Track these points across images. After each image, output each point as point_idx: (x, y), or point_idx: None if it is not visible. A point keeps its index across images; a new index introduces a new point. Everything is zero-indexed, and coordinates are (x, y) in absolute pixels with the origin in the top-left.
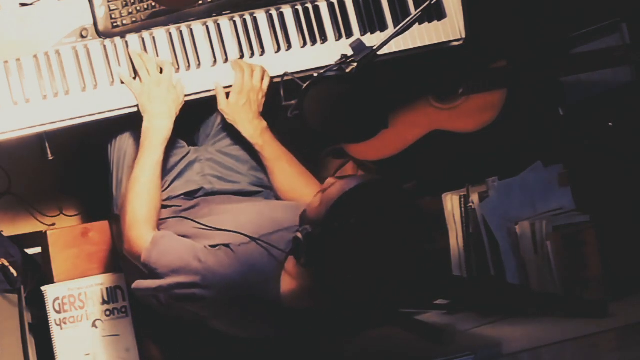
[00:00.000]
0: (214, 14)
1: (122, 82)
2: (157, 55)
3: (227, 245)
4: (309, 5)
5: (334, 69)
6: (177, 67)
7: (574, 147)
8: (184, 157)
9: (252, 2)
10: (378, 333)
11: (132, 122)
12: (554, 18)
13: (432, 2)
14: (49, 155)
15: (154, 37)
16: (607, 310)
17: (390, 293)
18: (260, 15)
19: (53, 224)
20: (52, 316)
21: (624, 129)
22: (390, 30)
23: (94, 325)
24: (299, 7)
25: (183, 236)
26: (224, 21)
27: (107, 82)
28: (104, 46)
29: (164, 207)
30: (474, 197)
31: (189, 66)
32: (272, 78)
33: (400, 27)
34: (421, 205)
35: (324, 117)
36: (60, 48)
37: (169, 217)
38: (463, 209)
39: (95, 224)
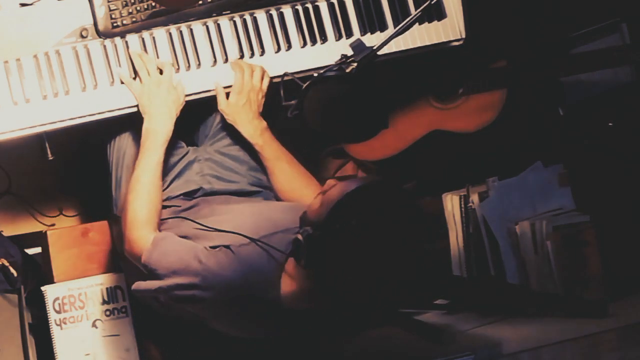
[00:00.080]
0: (214, 14)
1: (122, 83)
2: (157, 55)
3: (227, 247)
4: (309, 5)
5: (334, 69)
6: (177, 67)
7: (574, 147)
8: (183, 157)
9: (252, 2)
10: (378, 333)
11: (131, 122)
12: (554, 18)
13: (432, 2)
14: (49, 155)
15: (154, 37)
16: (607, 310)
17: (391, 294)
18: (260, 15)
19: (53, 225)
20: (52, 316)
21: (624, 129)
22: (390, 30)
23: (94, 325)
24: (299, 7)
25: (183, 237)
26: (224, 21)
27: (107, 82)
28: (104, 46)
29: (163, 207)
30: (474, 197)
31: (189, 66)
32: (272, 78)
33: (400, 27)
34: (421, 205)
35: (324, 117)
36: (60, 48)
37: (168, 218)
38: (463, 209)
39: (95, 224)
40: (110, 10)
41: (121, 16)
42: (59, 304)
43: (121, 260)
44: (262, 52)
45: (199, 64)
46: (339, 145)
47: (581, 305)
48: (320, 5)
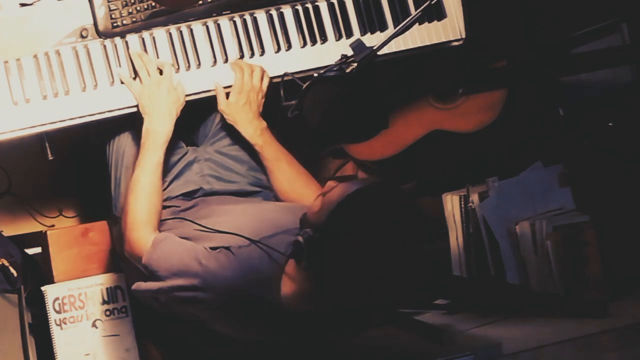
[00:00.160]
0: (214, 14)
1: (122, 83)
2: (157, 55)
3: (227, 248)
4: (309, 5)
5: (334, 69)
6: (177, 67)
7: (574, 147)
8: (182, 157)
9: (252, 2)
10: (378, 333)
11: (131, 122)
12: (554, 18)
13: (432, 2)
14: (49, 155)
15: (154, 37)
16: (607, 310)
17: (391, 295)
18: (260, 15)
19: (52, 226)
20: (52, 316)
21: (624, 129)
22: (390, 30)
23: (94, 325)
24: (299, 7)
25: (183, 237)
26: (224, 21)
27: (107, 82)
28: (104, 46)
29: (162, 207)
30: (474, 197)
31: (189, 66)
32: (272, 78)
33: (400, 27)
34: (421, 206)
35: (324, 117)
36: (60, 48)
37: (168, 218)
38: (463, 209)
39: (95, 224)
40: (110, 10)
41: (121, 16)
42: (59, 304)
43: (121, 260)
44: (262, 52)
45: (199, 64)
46: (339, 145)
47: (581, 305)
48: (320, 5)
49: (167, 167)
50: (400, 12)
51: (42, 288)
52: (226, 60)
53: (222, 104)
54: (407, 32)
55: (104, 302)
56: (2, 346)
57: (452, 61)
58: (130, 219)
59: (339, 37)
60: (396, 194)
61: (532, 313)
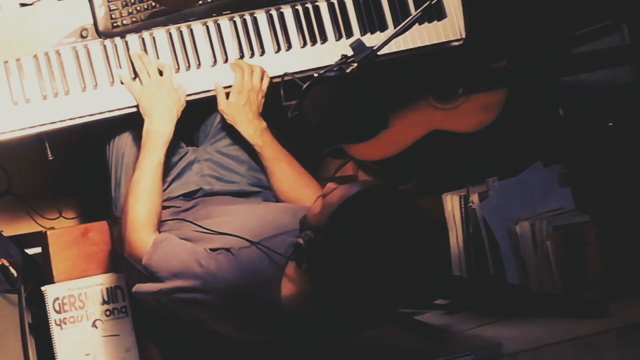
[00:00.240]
0: (214, 14)
1: (122, 83)
2: (157, 55)
3: (227, 249)
4: (309, 5)
5: (334, 69)
6: (177, 67)
7: (574, 147)
8: (182, 157)
9: (252, 2)
10: (378, 333)
11: (131, 122)
12: (554, 18)
13: (432, 2)
14: (49, 155)
15: (154, 37)
16: (607, 310)
17: (392, 295)
18: (260, 15)
19: (52, 228)
20: (52, 316)
21: (624, 129)
22: (390, 30)
23: (94, 325)
24: (299, 7)
25: (183, 238)
26: (224, 21)
27: (107, 82)
28: (104, 46)
29: (162, 207)
30: (474, 197)
31: (189, 66)
32: (272, 78)
33: (400, 27)
34: (422, 207)
35: (324, 117)
36: (60, 48)
37: (168, 219)
38: (463, 209)
39: (95, 224)
40: (110, 10)
41: (121, 16)
42: (59, 304)
43: (121, 261)
44: (262, 52)
45: (199, 64)
46: (339, 145)
47: (581, 305)
48: (320, 5)
49: (167, 167)
50: (400, 12)
51: (42, 288)
52: (226, 60)
53: (222, 104)
54: (407, 32)
55: (104, 302)
56: (2, 346)
57: (452, 61)
58: (131, 220)
59: (339, 37)
60: (396, 195)
61: (532, 313)
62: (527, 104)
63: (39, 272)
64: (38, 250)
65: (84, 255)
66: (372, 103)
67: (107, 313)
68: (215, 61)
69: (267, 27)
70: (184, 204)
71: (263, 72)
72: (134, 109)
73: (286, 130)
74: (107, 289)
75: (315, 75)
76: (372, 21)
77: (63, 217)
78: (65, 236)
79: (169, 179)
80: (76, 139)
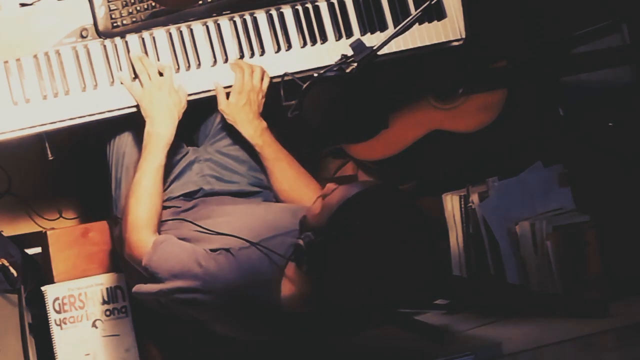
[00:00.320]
0: (214, 14)
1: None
2: (157, 55)
3: (227, 250)
4: (309, 5)
5: (334, 69)
6: (177, 67)
7: (574, 147)
8: (183, 157)
9: (252, 2)
10: (378, 333)
11: (131, 122)
12: (554, 18)
13: (432, 2)
14: (49, 155)
15: (154, 37)
16: (607, 310)
17: (392, 295)
18: (260, 15)
19: (52, 228)
20: (52, 316)
21: (624, 129)
22: (390, 30)
23: (94, 325)
24: (299, 7)
25: (183, 239)
26: (224, 21)
27: (107, 82)
28: (104, 46)
29: (163, 208)
30: (474, 197)
31: (189, 66)
32: (272, 78)
33: (400, 27)
34: (422, 208)
35: (324, 117)
36: (60, 48)
37: (168, 220)
38: (463, 209)
39: (95, 224)
40: (110, 10)
41: (121, 16)
42: (59, 304)
43: (121, 261)
44: (262, 52)
45: (199, 64)
46: (339, 145)
47: (581, 305)
48: (320, 5)
49: (167, 167)
50: (400, 12)
51: (42, 288)
52: (226, 60)
53: (222, 104)
54: (407, 32)
55: (104, 302)
56: (2, 346)
57: (452, 61)
58: (131, 222)
59: (339, 37)
60: (396, 195)
61: (532, 313)
62: (527, 104)
63: (39, 272)
64: (38, 250)
65: (84, 255)
66: (372, 103)
67: (107, 313)
68: (215, 61)
69: (267, 27)
70: (185, 204)
71: (263, 72)
72: (134, 109)
73: (286, 130)
74: (107, 289)
75: (315, 75)
76: (372, 21)
77: (63, 217)
78: (65, 236)
79: (170, 178)
80: (76, 139)
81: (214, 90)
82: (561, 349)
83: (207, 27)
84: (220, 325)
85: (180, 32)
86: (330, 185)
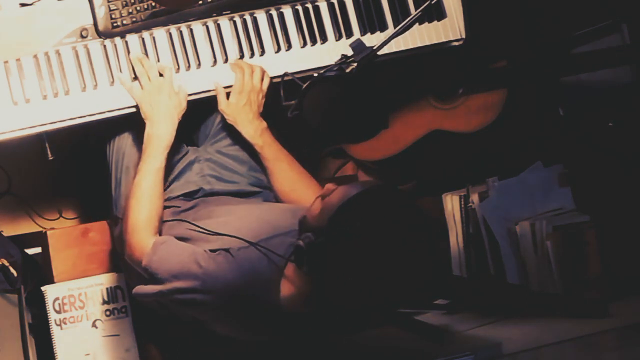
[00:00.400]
0: (214, 14)
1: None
2: (157, 55)
3: (226, 250)
4: (309, 5)
5: (334, 69)
6: (177, 67)
7: (574, 147)
8: (183, 157)
9: (252, 2)
10: (378, 333)
11: (131, 122)
12: (554, 18)
13: (432, 2)
14: (49, 155)
15: (154, 37)
16: (607, 310)
17: (392, 295)
18: (260, 15)
19: (52, 228)
20: (52, 316)
21: (624, 129)
22: (390, 30)
23: (94, 325)
24: (299, 7)
25: (183, 239)
26: (224, 21)
27: (107, 82)
28: (104, 46)
29: (163, 208)
30: (474, 197)
31: (189, 66)
32: (272, 78)
33: (400, 27)
34: (422, 208)
35: (324, 117)
36: (60, 48)
37: (168, 219)
38: (463, 209)
39: (95, 224)
40: (110, 10)
41: (121, 16)
42: (59, 304)
43: (121, 261)
44: (262, 52)
45: (199, 64)
46: (339, 145)
47: (581, 305)
48: (320, 5)
49: (168, 167)
50: (400, 12)
51: (42, 288)
52: (226, 60)
53: (222, 104)
54: (407, 32)
55: (104, 302)
56: (2, 346)
57: (452, 61)
58: (132, 224)
59: (339, 37)
60: (396, 196)
61: (532, 313)
62: (527, 104)
63: (39, 272)
64: (38, 250)
65: (84, 255)
66: (372, 103)
67: (107, 313)
68: (215, 61)
69: (267, 27)
70: (184, 204)
71: (263, 72)
72: (134, 109)
73: (286, 130)
74: (107, 289)
75: (315, 75)
76: (372, 21)
77: (63, 217)
78: (65, 236)
79: (170, 178)
80: (76, 139)
81: (214, 90)
82: (561, 349)
83: (207, 27)
84: (220, 325)
85: (180, 32)
86: (329, 186)
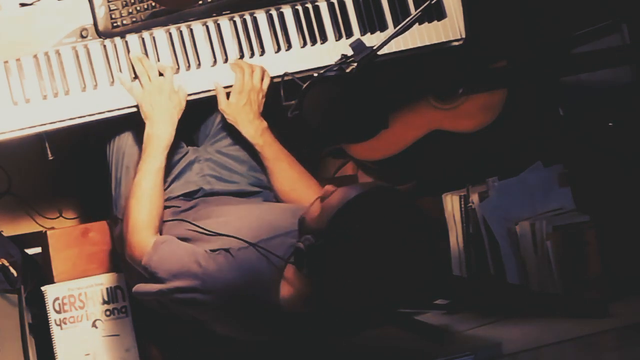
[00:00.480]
0: (214, 14)
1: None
2: (157, 55)
3: (226, 250)
4: (309, 5)
5: (334, 69)
6: (177, 67)
7: (574, 147)
8: (183, 157)
9: (252, 2)
10: (378, 333)
11: (131, 122)
12: (554, 18)
13: (432, 2)
14: (49, 155)
15: (154, 37)
16: (607, 310)
17: (392, 296)
18: (260, 15)
19: (52, 228)
20: (52, 316)
21: (624, 129)
22: (390, 30)
23: (94, 325)
24: (299, 7)
25: (183, 239)
26: (224, 21)
27: (107, 82)
28: (104, 46)
29: (163, 207)
30: (474, 197)
31: (189, 66)
32: (272, 78)
33: (400, 27)
34: (422, 209)
35: (324, 117)
36: (60, 48)
37: (168, 219)
38: (463, 209)
39: (95, 224)
40: (110, 10)
41: (121, 16)
42: (59, 304)
43: (121, 261)
44: (262, 52)
45: (199, 64)
46: (339, 145)
47: (581, 305)
48: (320, 5)
49: (168, 167)
50: (400, 12)
51: (42, 288)
52: (226, 60)
53: (222, 103)
54: (407, 32)
55: (104, 302)
56: (2, 346)
57: (452, 61)
58: (132, 224)
59: (339, 37)
60: (396, 197)
61: (532, 313)
62: (527, 104)
63: (39, 272)
64: (38, 250)
65: (84, 255)
66: (372, 103)
67: (107, 313)
68: (215, 61)
69: (267, 27)
70: (184, 204)
71: (263, 72)
72: (134, 109)
73: (286, 130)
74: (107, 289)
75: (315, 75)
76: (372, 21)
77: (63, 217)
78: (65, 236)
79: (170, 178)
80: (76, 139)
81: (214, 90)
82: (561, 349)
83: (207, 27)
84: (220, 325)
85: (180, 32)
86: (328, 187)
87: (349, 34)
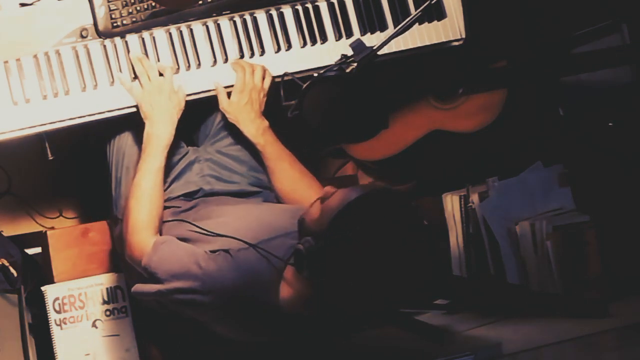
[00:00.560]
0: (214, 14)
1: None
2: (157, 55)
3: (226, 251)
4: (309, 5)
5: (334, 69)
6: (177, 67)
7: (574, 147)
8: (183, 157)
9: (252, 2)
10: (378, 333)
11: (131, 122)
12: (554, 18)
13: (432, 2)
14: (49, 155)
15: (154, 37)
16: (607, 310)
17: (392, 296)
18: (260, 15)
19: (52, 228)
20: (52, 316)
21: (624, 129)
22: (390, 30)
23: (94, 325)
24: (299, 7)
25: (183, 239)
26: (224, 21)
27: (107, 82)
28: (104, 46)
29: (163, 208)
30: (474, 197)
31: (189, 66)
32: (272, 78)
33: (400, 27)
34: (422, 211)
35: (324, 117)
36: (60, 48)
37: (168, 220)
38: (463, 209)
39: (95, 224)
40: (110, 10)
41: (121, 16)
42: (59, 304)
43: (121, 261)
44: (262, 52)
45: (199, 64)
46: (339, 145)
47: (581, 305)
48: (320, 5)
49: (167, 167)
50: (400, 12)
51: (42, 288)
52: (226, 60)
53: (223, 103)
54: (407, 32)
55: (104, 302)
56: (2, 346)
57: (452, 61)
58: (132, 224)
59: (339, 37)
60: (395, 198)
61: (532, 313)
62: (527, 104)
63: (39, 272)
64: (38, 250)
65: (84, 255)
66: (372, 103)
67: (107, 313)
68: (215, 61)
69: (267, 27)
70: (184, 204)
71: (265, 71)
72: (134, 109)
73: (286, 130)
74: (107, 289)
75: (315, 75)
76: (372, 21)
77: (63, 217)
78: (65, 236)
79: (170, 178)
80: (76, 139)
81: (214, 90)
82: (561, 349)
83: (207, 27)
84: (220, 326)
85: (180, 32)
86: (328, 189)
87: (349, 34)
